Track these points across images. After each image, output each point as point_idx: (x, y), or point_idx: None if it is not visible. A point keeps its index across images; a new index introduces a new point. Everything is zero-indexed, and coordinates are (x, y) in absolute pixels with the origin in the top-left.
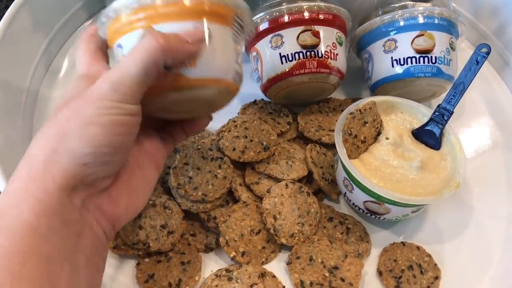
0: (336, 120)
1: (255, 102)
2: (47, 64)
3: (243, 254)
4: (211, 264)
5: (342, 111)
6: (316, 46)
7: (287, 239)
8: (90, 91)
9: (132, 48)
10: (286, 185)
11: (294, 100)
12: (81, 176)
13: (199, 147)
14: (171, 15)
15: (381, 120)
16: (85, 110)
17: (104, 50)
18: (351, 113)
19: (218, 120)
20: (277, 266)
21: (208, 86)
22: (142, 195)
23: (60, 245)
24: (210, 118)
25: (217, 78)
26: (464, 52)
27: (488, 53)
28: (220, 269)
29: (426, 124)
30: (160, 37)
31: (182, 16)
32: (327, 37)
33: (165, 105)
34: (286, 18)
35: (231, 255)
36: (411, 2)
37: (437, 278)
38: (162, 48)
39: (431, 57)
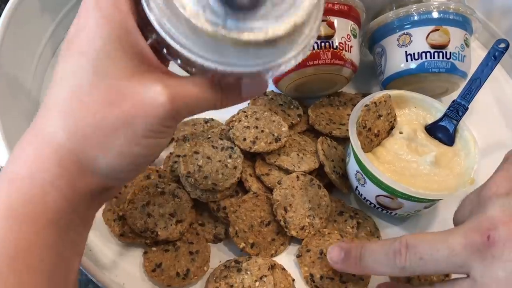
0: (347, 114)
1: (265, 93)
2: (54, 48)
3: (252, 245)
4: (220, 255)
5: (353, 105)
6: (330, 37)
7: (297, 232)
8: (144, 100)
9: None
10: (297, 177)
11: (305, 92)
12: (110, 185)
13: (209, 136)
14: None
15: (395, 114)
16: (136, 127)
17: None
18: (366, 106)
19: (228, 111)
20: (286, 259)
21: None
22: None
23: (73, 241)
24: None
25: None
26: (474, 51)
27: (506, 49)
28: (229, 260)
29: (440, 119)
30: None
31: None
32: (342, 28)
33: None
34: None
35: (241, 246)
36: None
37: (447, 275)
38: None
39: (446, 52)
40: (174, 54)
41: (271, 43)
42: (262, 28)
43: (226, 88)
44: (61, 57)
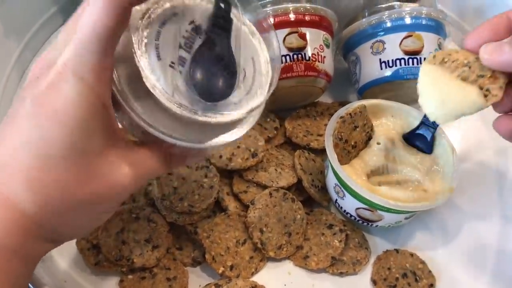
0: (324, 125)
1: None
2: (21, 71)
3: (231, 267)
4: (199, 279)
5: (330, 115)
6: (302, 48)
7: (275, 252)
8: (112, 182)
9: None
10: (270, 193)
11: (280, 105)
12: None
13: None
14: None
15: (372, 124)
16: (100, 206)
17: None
18: (341, 117)
19: None
20: (267, 276)
21: None
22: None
23: None
24: None
25: None
26: None
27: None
28: (208, 284)
29: (417, 127)
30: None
31: None
32: (314, 39)
33: None
34: (271, 20)
35: (220, 271)
36: (398, 3)
37: (432, 285)
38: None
39: (420, 58)
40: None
41: (229, 124)
42: (223, 113)
43: (174, 158)
44: (25, 114)
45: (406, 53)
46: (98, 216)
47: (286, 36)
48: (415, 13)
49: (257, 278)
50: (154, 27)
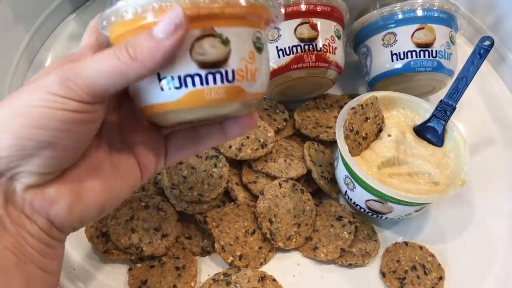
0: (334, 117)
1: None
2: (30, 59)
3: (240, 257)
4: (208, 268)
5: (340, 107)
6: (314, 39)
7: (284, 243)
8: (39, 79)
9: (105, 52)
10: (280, 184)
11: (290, 96)
12: (2, 169)
13: None
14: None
15: (383, 116)
16: (20, 99)
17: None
18: (352, 108)
19: None
20: (276, 266)
21: (256, 100)
22: (97, 201)
23: None
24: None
25: (262, 92)
26: (460, 47)
27: (491, 46)
28: (217, 273)
29: (428, 120)
30: (128, 58)
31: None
32: (325, 30)
33: (194, 117)
34: (282, 10)
35: (229, 261)
36: None
37: (441, 278)
38: (131, 68)
39: (432, 51)
40: None
41: None
42: None
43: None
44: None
45: (418, 45)
46: (23, 111)
47: (297, 26)
48: (427, 5)
49: (266, 269)
50: None
